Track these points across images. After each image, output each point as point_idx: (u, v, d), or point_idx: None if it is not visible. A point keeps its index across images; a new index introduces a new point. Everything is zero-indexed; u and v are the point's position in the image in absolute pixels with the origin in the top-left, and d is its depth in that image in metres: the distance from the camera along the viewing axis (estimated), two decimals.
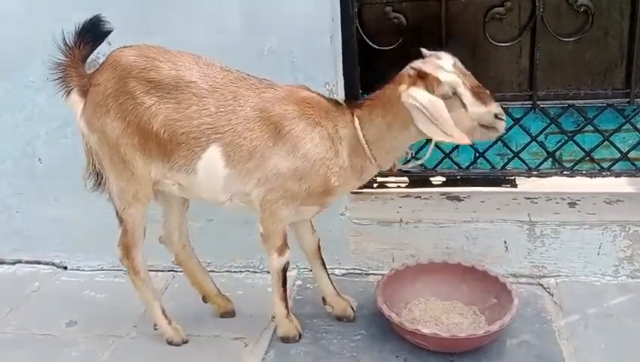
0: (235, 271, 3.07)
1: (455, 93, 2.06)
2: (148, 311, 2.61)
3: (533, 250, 2.81)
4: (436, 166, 3.03)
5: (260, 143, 2.19)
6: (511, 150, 2.96)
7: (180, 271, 3.07)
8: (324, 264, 2.62)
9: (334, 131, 2.21)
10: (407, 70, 2.11)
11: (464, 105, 2.06)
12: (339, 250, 2.96)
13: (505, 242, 2.82)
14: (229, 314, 2.74)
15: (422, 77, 2.07)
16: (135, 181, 2.31)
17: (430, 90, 2.05)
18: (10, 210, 3.15)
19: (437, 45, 2.80)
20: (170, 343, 2.56)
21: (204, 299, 2.72)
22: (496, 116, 2.07)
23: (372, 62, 2.90)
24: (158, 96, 2.19)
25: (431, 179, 3.11)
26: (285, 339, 2.53)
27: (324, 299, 2.66)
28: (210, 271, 3.04)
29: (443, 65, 2.08)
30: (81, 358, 2.54)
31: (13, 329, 2.74)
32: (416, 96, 2.04)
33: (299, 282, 2.95)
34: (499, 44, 2.80)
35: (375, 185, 3.14)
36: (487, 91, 2.11)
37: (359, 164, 2.25)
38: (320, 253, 2.59)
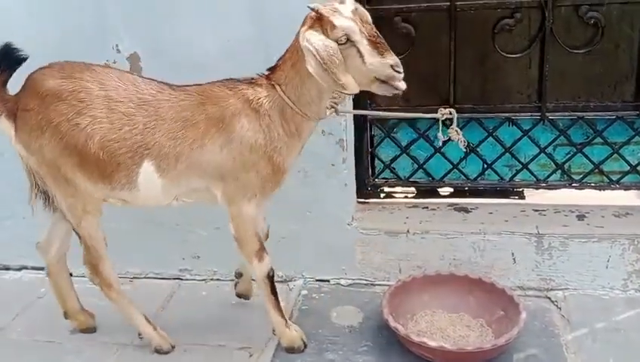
0: None
1: (350, 40, 2.02)
2: (128, 322, 2.57)
3: (541, 262, 2.79)
4: (444, 176, 3.02)
5: (184, 148, 2.21)
6: (519, 161, 2.94)
7: (186, 280, 3.09)
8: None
9: (258, 108, 2.20)
10: (309, 13, 2.07)
11: (361, 55, 2.02)
12: (345, 260, 2.95)
13: (512, 254, 2.80)
14: (90, 329, 2.73)
15: (319, 20, 2.03)
16: (80, 196, 2.32)
17: (325, 33, 2.01)
18: (16, 216, 3.15)
19: (446, 57, 2.82)
20: (158, 351, 2.55)
21: (65, 315, 2.69)
22: (392, 68, 2.02)
23: None
24: (91, 116, 2.20)
25: (438, 189, 3.09)
26: (290, 350, 2.52)
27: (239, 274, 2.78)
28: (215, 280, 3.07)
29: (341, 9, 2.03)
30: None
31: (17, 336, 2.75)
32: (310, 38, 2.01)
33: (304, 292, 2.94)
34: (508, 55, 2.79)
35: (382, 195, 3.12)
36: (385, 42, 2.05)
37: (293, 126, 2.23)
38: (265, 240, 2.54)
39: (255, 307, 2.82)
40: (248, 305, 2.85)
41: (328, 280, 2.99)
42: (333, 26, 2.01)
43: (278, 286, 2.74)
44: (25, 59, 2.29)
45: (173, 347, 2.56)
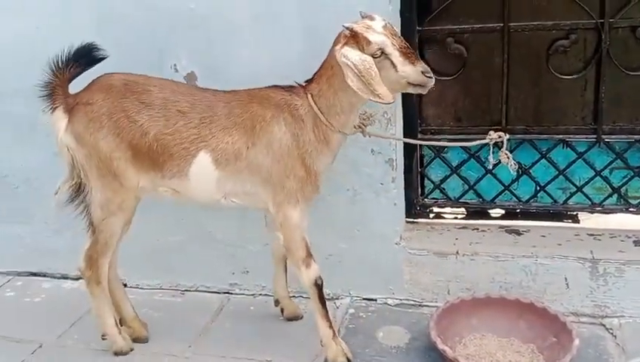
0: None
1: (384, 53, 2.19)
2: (97, 320, 2.68)
3: (596, 288, 2.71)
4: (495, 198, 2.98)
5: (242, 146, 2.38)
6: (574, 184, 2.88)
7: (236, 294, 3.14)
8: (286, 268, 2.79)
9: (294, 114, 2.37)
10: (343, 31, 2.23)
11: (394, 65, 2.20)
12: (392, 280, 2.94)
13: (566, 279, 2.74)
14: (141, 339, 2.79)
15: (354, 37, 2.19)
16: (122, 192, 2.48)
17: (361, 49, 2.19)
18: (76, 227, 3.26)
19: (498, 78, 2.80)
20: (118, 353, 2.67)
21: (121, 323, 2.77)
22: (423, 74, 2.21)
23: (432, 92, 2.88)
24: (149, 115, 2.40)
25: (489, 211, 3.05)
26: None
27: (277, 301, 2.87)
28: (264, 295, 3.11)
29: (373, 26, 2.21)
30: None
31: (73, 343, 2.84)
32: (347, 54, 2.17)
33: (352, 310, 2.94)
34: (563, 76, 2.76)
35: (432, 215, 3.10)
36: (414, 51, 2.25)
37: (322, 135, 2.39)
38: (287, 259, 2.72)
39: (302, 323, 2.85)
40: (293, 323, 2.88)
41: (375, 300, 2.99)
42: (369, 42, 2.18)
43: (327, 302, 2.78)
44: (103, 59, 2.49)
45: (132, 349, 2.69)
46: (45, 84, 2.43)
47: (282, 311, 2.88)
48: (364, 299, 3.00)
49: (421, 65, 2.22)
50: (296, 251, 2.45)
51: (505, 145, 2.60)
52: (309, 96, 2.37)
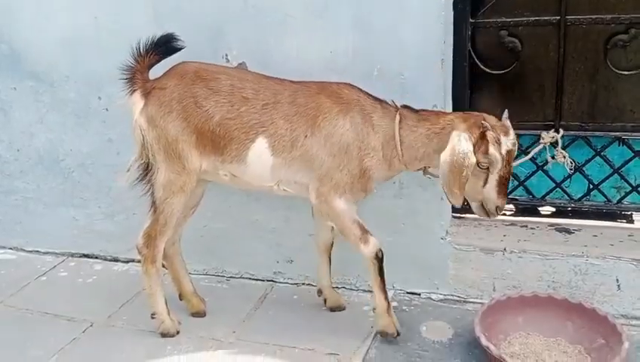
0: (332, 287, 3.09)
1: (488, 169, 2.25)
2: (148, 299, 2.74)
3: None
4: (545, 195, 2.92)
5: (300, 134, 2.42)
6: (629, 183, 2.80)
7: (280, 283, 3.18)
8: (330, 259, 2.83)
9: (367, 119, 2.41)
10: (480, 121, 2.25)
11: (485, 184, 2.28)
12: (437, 275, 2.92)
13: (617, 280, 2.66)
14: (199, 314, 2.90)
15: (481, 134, 2.22)
16: (185, 174, 2.55)
17: (476, 147, 2.22)
18: (128, 211, 3.36)
19: (553, 72, 2.73)
20: (165, 335, 2.73)
21: (180, 297, 2.90)
22: (497, 208, 2.33)
23: (483, 86, 2.86)
24: (215, 100, 2.48)
25: (539, 208, 2.99)
26: (383, 334, 2.60)
27: (320, 291, 2.89)
28: (307, 285, 3.15)
29: (503, 141, 2.24)
30: (182, 357, 2.65)
31: (122, 324, 2.92)
32: (462, 140, 2.21)
33: (394, 303, 2.92)
34: (621, 72, 2.67)
35: None
36: (507, 187, 2.32)
37: (389, 155, 2.43)
38: (331, 249, 2.80)
39: (345, 314, 2.87)
40: (338, 312, 2.89)
41: (419, 294, 2.98)
42: (487, 151, 2.23)
43: (369, 294, 2.81)
44: (181, 49, 2.59)
45: (178, 332, 2.75)
46: (127, 69, 2.54)
47: (325, 301, 2.90)
48: (407, 292, 2.99)
49: (502, 200, 2.31)
50: (350, 233, 2.49)
51: (560, 144, 2.55)
52: (398, 117, 2.39)
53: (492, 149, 2.21)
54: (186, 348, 2.71)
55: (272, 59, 2.85)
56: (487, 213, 2.38)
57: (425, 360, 2.52)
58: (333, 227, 2.65)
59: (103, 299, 3.11)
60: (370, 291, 2.92)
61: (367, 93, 2.47)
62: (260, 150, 2.46)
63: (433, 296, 2.95)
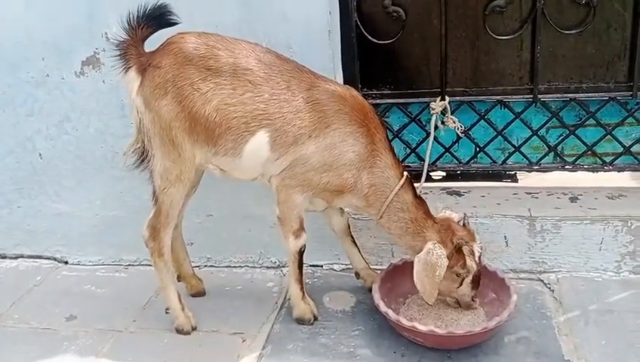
0: (234, 266, 3.07)
1: (460, 275, 2.34)
2: (162, 292, 2.62)
3: (534, 245, 2.78)
4: (436, 160, 3.01)
5: (306, 132, 2.27)
6: (512, 144, 2.93)
7: None
8: (354, 241, 2.72)
9: (373, 160, 2.33)
10: (459, 238, 2.32)
11: (460, 285, 2.36)
12: (338, 246, 2.94)
13: (505, 237, 2.80)
14: (200, 294, 2.84)
15: (457, 250, 2.30)
16: (181, 162, 2.36)
17: (450, 256, 2.29)
18: (12, 205, 3.17)
19: (437, 39, 2.79)
20: (179, 331, 2.59)
21: (179, 278, 2.78)
22: (472, 298, 2.41)
23: (371, 57, 2.88)
24: (215, 82, 2.25)
25: (431, 173, 3.07)
26: (300, 321, 2.59)
27: (357, 274, 2.78)
28: (209, 266, 3.10)
29: (476, 250, 2.34)
30: (80, 352, 2.55)
31: (14, 323, 2.77)
32: (438, 253, 2.26)
33: None
34: (499, 37, 2.77)
35: None
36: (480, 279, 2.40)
37: (372, 199, 2.39)
38: (350, 231, 2.70)
39: (248, 293, 2.86)
40: (241, 291, 2.87)
41: (322, 266, 3.01)
42: (464, 266, 2.32)
43: (272, 271, 2.84)
44: (175, 24, 2.35)
45: (194, 328, 2.60)
46: (118, 43, 2.30)
47: (364, 281, 2.78)
48: (310, 265, 3.00)
49: (475, 291, 2.39)
50: (288, 225, 2.43)
51: (448, 110, 2.61)
52: (403, 182, 2.36)
53: (469, 261, 2.30)
54: (84, 341, 2.60)
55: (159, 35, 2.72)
56: (466, 307, 2.46)
57: (329, 330, 2.56)
58: (342, 210, 2.62)
59: None
60: (274, 267, 2.95)
61: (384, 135, 2.36)
62: (258, 145, 2.29)
63: (335, 267, 2.99)
